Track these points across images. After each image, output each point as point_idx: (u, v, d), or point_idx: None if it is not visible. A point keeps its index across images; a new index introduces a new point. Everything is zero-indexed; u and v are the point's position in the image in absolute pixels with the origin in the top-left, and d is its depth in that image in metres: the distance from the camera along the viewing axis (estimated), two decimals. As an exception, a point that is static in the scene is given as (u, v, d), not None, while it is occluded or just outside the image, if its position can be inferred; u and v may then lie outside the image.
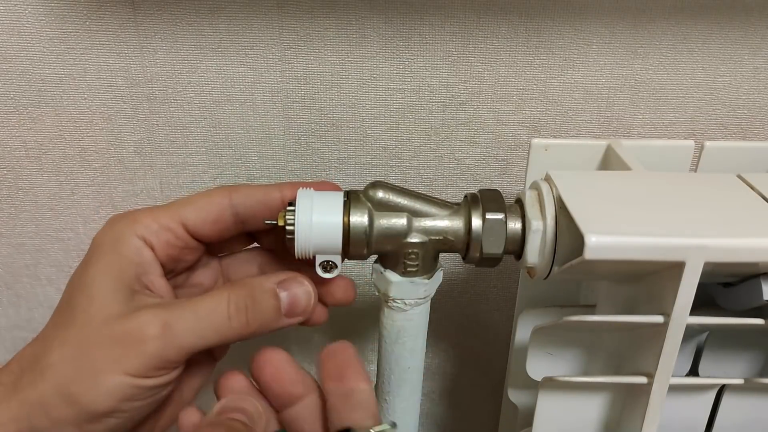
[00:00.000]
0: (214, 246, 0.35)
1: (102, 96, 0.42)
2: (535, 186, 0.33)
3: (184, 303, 0.30)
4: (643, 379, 0.32)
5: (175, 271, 0.33)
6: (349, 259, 0.32)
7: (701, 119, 0.45)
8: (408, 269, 0.33)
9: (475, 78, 0.43)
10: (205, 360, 0.35)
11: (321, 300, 0.34)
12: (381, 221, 0.32)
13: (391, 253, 0.32)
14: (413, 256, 0.32)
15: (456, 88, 0.43)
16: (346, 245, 0.31)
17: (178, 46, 0.41)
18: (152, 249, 0.31)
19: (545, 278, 0.32)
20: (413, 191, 0.33)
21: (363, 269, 0.49)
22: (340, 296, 0.34)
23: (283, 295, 0.31)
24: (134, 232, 0.30)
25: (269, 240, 0.35)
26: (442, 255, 0.34)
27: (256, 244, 0.36)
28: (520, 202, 0.33)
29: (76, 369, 0.28)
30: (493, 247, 0.32)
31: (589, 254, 0.28)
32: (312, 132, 0.44)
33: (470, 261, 0.33)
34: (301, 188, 0.32)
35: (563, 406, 0.35)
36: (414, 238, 0.32)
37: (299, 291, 0.32)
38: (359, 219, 0.31)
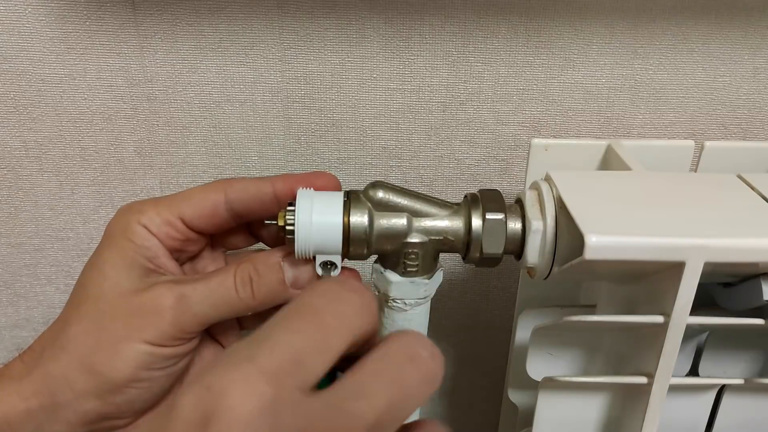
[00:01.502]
0: (217, 239, 0.35)
1: (102, 96, 0.42)
2: (535, 186, 0.33)
3: (196, 277, 0.31)
4: (643, 379, 0.32)
5: (180, 260, 0.34)
6: (349, 259, 0.32)
7: (701, 119, 0.45)
8: (408, 269, 0.33)
9: (475, 78, 0.43)
10: (212, 348, 0.35)
11: None
12: (381, 221, 0.32)
13: (391, 253, 0.32)
14: (413, 256, 0.32)
15: (456, 88, 0.43)
16: (346, 245, 0.31)
17: (178, 46, 0.41)
18: (157, 238, 0.32)
19: (545, 278, 0.32)
20: (413, 191, 0.33)
21: (363, 269, 0.49)
22: None
23: (287, 267, 0.32)
24: (139, 222, 0.31)
25: (271, 237, 0.36)
26: (442, 255, 0.33)
27: (261, 244, 0.37)
28: (520, 202, 0.33)
29: (95, 340, 0.29)
30: (493, 247, 0.32)
31: (589, 254, 0.28)
32: (312, 132, 0.44)
33: (470, 261, 0.33)
34: (301, 188, 0.32)
35: (563, 406, 0.35)
36: (414, 238, 0.32)
37: (303, 263, 0.32)
38: (359, 219, 0.31)
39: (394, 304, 0.34)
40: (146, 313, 0.29)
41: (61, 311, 0.31)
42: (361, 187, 0.33)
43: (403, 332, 0.23)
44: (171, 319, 0.30)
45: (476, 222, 0.32)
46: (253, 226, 0.36)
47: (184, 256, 0.34)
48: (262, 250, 0.36)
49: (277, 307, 0.32)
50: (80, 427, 0.30)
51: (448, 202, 0.33)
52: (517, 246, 0.32)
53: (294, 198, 0.31)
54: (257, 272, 0.31)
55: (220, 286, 0.31)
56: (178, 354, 0.31)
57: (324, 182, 0.33)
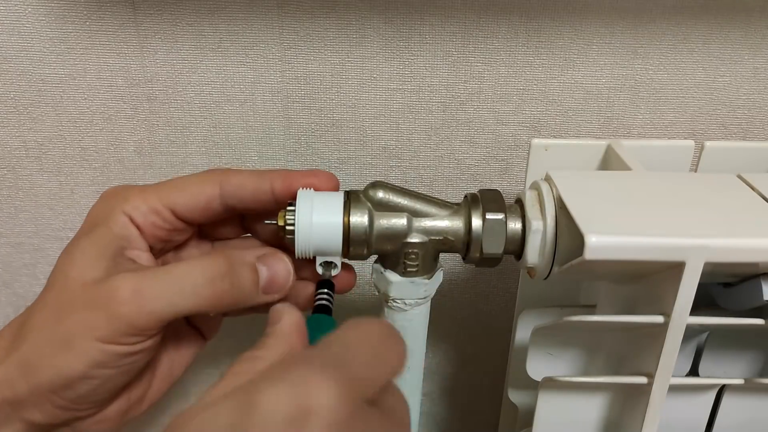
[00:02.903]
0: (205, 229, 0.35)
1: (102, 96, 0.42)
2: (535, 186, 0.33)
3: (158, 269, 0.29)
4: (643, 379, 0.32)
5: (165, 249, 0.34)
6: (349, 259, 0.32)
7: (701, 119, 0.45)
8: (408, 269, 0.33)
9: (475, 78, 0.43)
10: (193, 336, 0.35)
11: None
12: (381, 221, 0.32)
13: (391, 253, 0.32)
14: (413, 256, 0.32)
15: (456, 88, 0.43)
16: (346, 245, 0.31)
17: (178, 46, 0.41)
18: (138, 228, 0.31)
19: (545, 278, 0.32)
20: (413, 191, 0.33)
21: (363, 269, 0.49)
22: (343, 284, 0.34)
23: (263, 269, 0.31)
24: (122, 209, 0.31)
25: (264, 232, 0.35)
26: (442, 255, 0.34)
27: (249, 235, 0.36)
28: (520, 202, 0.33)
29: (51, 333, 0.29)
30: (493, 247, 0.32)
31: (589, 254, 0.28)
32: (312, 132, 0.44)
33: (470, 261, 0.33)
34: (301, 188, 0.32)
35: (563, 406, 0.35)
36: (414, 238, 0.32)
37: (279, 267, 0.31)
38: (359, 219, 0.31)
39: (394, 304, 0.34)
40: (101, 307, 0.28)
41: None
42: (361, 187, 0.33)
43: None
44: (124, 316, 0.28)
45: (476, 222, 0.32)
46: (246, 218, 0.35)
47: (169, 245, 0.33)
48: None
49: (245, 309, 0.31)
50: (43, 417, 0.29)
51: (448, 202, 0.33)
52: (517, 246, 0.32)
53: (293, 197, 0.31)
54: (231, 270, 0.30)
55: (183, 280, 0.29)
56: (133, 352, 0.29)
57: (322, 181, 0.32)
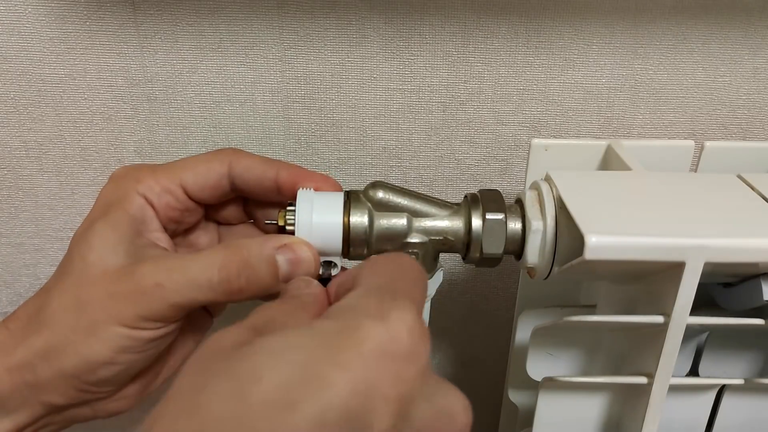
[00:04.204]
0: (210, 211, 0.35)
1: (102, 96, 0.42)
2: (535, 186, 0.33)
3: (178, 261, 0.30)
4: (643, 379, 0.32)
5: (176, 232, 0.34)
6: (349, 259, 0.32)
7: (701, 119, 0.45)
8: (408, 269, 0.33)
9: (475, 78, 0.43)
10: (204, 315, 0.35)
11: None
12: (381, 221, 0.32)
13: (391, 253, 0.32)
14: (413, 256, 0.32)
15: (456, 88, 0.43)
16: (346, 245, 0.31)
17: (178, 46, 0.41)
18: (153, 208, 0.31)
19: (545, 278, 0.32)
20: (413, 191, 0.33)
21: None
22: None
23: (282, 260, 0.30)
24: (136, 190, 0.31)
25: (266, 218, 0.35)
26: (442, 255, 0.34)
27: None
28: (520, 202, 0.33)
29: (74, 319, 0.29)
30: (493, 247, 0.32)
31: (589, 254, 0.28)
32: (312, 132, 0.44)
33: (470, 261, 0.33)
34: (301, 189, 0.32)
35: (563, 406, 0.35)
36: (414, 239, 0.32)
37: (302, 255, 0.30)
38: (359, 219, 0.31)
39: (394, 304, 0.34)
40: (124, 297, 0.29)
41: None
42: (361, 187, 0.33)
43: None
44: (149, 304, 0.29)
45: (476, 222, 0.32)
46: (249, 204, 0.35)
47: (180, 228, 0.34)
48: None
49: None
50: (62, 399, 0.30)
51: (448, 202, 0.33)
52: (517, 246, 0.32)
53: (294, 196, 0.31)
54: (247, 265, 0.29)
55: (202, 275, 0.29)
56: (157, 336, 0.30)
57: (326, 187, 0.33)
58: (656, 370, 0.31)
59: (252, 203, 0.35)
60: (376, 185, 0.32)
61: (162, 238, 0.32)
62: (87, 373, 0.29)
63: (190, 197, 0.32)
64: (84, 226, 0.31)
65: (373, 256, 0.25)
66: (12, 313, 0.31)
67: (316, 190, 0.32)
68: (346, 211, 0.31)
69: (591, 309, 0.37)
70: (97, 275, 0.29)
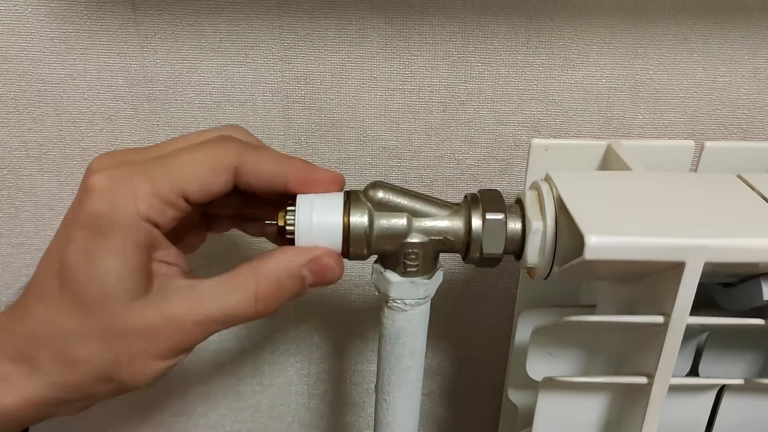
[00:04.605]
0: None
1: (102, 96, 0.42)
2: (535, 186, 0.33)
3: (212, 294, 0.29)
4: (643, 379, 0.32)
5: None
6: (349, 259, 0.32)
7: (701, 119, 0.45)
8: (408, 269, 0.33)
9: (475, 78, 0.43)
10: (198, 234, 0.35)
11: None
12: (381, 221, 0.32)
13: (391, 253, 0.32)
14: (413, 257, 0.32)
15: (456, 88, 0.43)
16: (346, 245, 0.31)
17: (178, 46, 0.41)
18: (158, 227, 0.29)
19: (545, 278, 0.32)
20: (413, 191, 0.33)
21: (363, 269, 0.49)
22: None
23: (308, 273, 0.30)
24: (138, 213, 0.28)
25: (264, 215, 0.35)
26: (442, 255, 0.34)
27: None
28: (520, 203, 0.33)
29: (114, 356, 0.28)
30: (493, 247, 0.32)
31: (589, 254, 0.28)
32: (312, 132, 0.44)
33: (470, 261, 0.33)
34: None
35: (563, 406, 0.35)
36: (414, 238, 0.32)
37: (327, 265, 0.31)
38: (359, 219, 0.31)
39: (394, 304, 0.34)
40: (160, 334, 0.29)
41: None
42: (361, 187, 0.33)
43: None
44: (183, 339, 0.29)
45: (476, 222, 0.32)
46: (246, 199, 0.34)
47: (177, 234, 0.32)
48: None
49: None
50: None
51: (448, 202, 0.33)
52: (517, 246, 0.32)
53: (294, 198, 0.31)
54: (280, 287, 0.30)
55: (238, 306, 0.29)
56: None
57: (335, 189, 0.32)
58: (656, 370, 0.31)
59: (250, 199, 0.34)
60: (376, 185, 0.32)
61: (173, 254, 0.31)
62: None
63: (190, 203, 0.29)
64: (85, 257, 0.28)
65: None
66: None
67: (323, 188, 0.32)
68: (346, 211, 0.31)
69: (591, 309, 0.37)
70: (122, 312, 0.28)
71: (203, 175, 0.29)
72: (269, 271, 0.30)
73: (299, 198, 0.31)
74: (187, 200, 0.29)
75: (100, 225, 0.28)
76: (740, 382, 0.34)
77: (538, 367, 0.35)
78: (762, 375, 0.36)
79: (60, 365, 0.29)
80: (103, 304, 0.28)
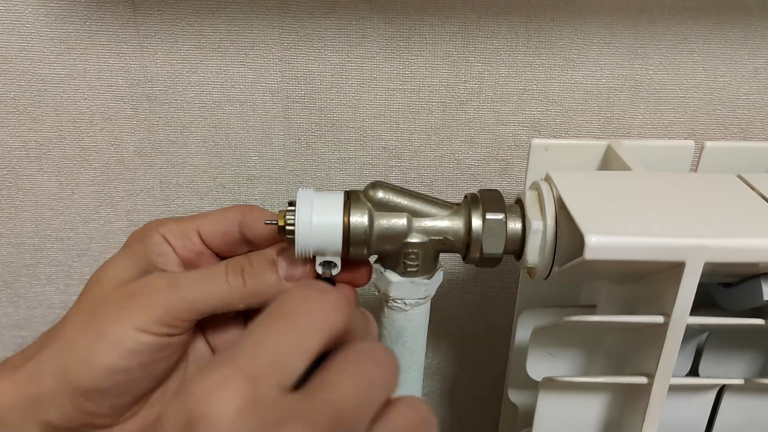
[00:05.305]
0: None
1: (102, 96, 0.42)
2: (535, 186, 0.33)
3: (189, 272, 0.32)
4: (643, 379, 0.32)
5: None
6: (349, 259, 0.32)
7: (701, 119, 0.45)
8: (408, 269, 0.33)
9: (475, 78, 0.43)
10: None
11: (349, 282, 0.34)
12: (381, 221, 0.32)
13: (391, 253, 0.32)
14: (413, 256, 0.32)
15: (456, 88, 0.43)
16: (346, 245, 0.31)
17: (178, 46, 0.41)
18: (170, 245, 0.34)
19: (545, 278, 0.32)
20: (413, 191, 0.33)
21: (363, 269, 0.49)
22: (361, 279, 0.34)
23: (280, 258, 0.32)
24: (157, 230, 0.33)
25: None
26: (442, 255, 0.34)
27: None
28: (520, 203, 0.33)
29: (85, 326, 0.30)
30: (493, 247, 0.32)
31: (589, 254, 0.28)
32: (312, 132, 0.44)
33: (470, 261, 0.33)
34: (301, 188, 0.32)
35: (563, 406, 0.35)
36: (414, 238, 0.32)
37: (299, 261, 0.32)
38: (359, 219, 0.31)
39: (394, 304, 0.34)
40: (137, 296, 0.30)
41: (61, 311, 0.32)
42: (361, 187, 0.33)
43: (362, 340, 0.25)
44: (161, 301, 0.30)
45: (476, 222, 0.32)
46: None
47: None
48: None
49: None
50: (60, 419, 0.29)
51: (448, 202, 0.33)
52: (517, 246, 0.32)
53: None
54: (250, 263, 0.32)
55: (212, 274, 0.31)
56: (164, 346, 0.30)
57: None
58: (656, 370, 0.31)
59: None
60: (376, 185, 0.32)
61: (177, 270, 0.34)
62: (90, 381, 0.29)
63: (205, 243, 0.34)
64: (105, 261, 0.32)
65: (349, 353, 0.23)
66: (32, 342, 0.32)
67: None
68: (346, 211, 0.31)
69: (591, 309, 0.37)
70: (111, 288, 0.31)
71: (215, 217, 0.34)
72: (239, 256, 0.33)
73: (299, 197, 0.31)
74: (201, 237, 0.34)
75: (128, 241, 0.34)
76: (740, 382, 0.34)
77: (538, 367, 0.35)
78: (762, 375, 0.36)
79: (44, 340, 0.31)
80: (100, 282, 0.31)
